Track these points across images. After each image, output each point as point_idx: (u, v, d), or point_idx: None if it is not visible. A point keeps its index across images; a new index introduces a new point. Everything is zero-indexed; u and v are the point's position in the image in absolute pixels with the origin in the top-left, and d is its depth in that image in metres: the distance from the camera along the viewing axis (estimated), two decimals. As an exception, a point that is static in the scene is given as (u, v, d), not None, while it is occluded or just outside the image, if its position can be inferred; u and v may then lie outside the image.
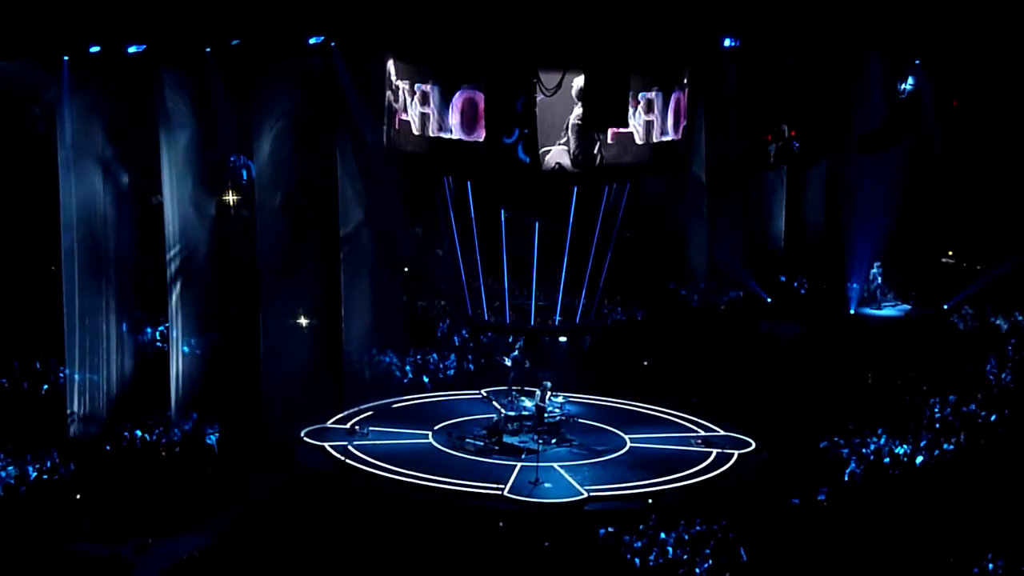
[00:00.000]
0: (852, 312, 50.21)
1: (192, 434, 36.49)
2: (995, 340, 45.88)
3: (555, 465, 35.55)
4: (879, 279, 51.13)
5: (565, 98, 34.43)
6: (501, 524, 31.63)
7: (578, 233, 37.18)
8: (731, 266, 51.41)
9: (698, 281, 51.14)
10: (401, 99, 36.52)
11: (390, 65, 37.30)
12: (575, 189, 36.24)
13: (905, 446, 36.25)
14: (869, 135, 48.23)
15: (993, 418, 38.51)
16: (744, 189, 52.51)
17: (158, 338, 40.55)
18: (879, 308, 50.64)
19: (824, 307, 50.90)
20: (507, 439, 37.01)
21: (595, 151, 35.22)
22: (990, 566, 28.96)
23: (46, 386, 37.97)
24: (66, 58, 35.18)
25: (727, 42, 44.19)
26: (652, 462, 36.27)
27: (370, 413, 39.26)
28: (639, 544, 29.96)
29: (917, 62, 47.93)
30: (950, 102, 49.04)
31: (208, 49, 37.73)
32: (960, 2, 43.66)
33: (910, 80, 48.26)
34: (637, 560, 29.60)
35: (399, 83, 36.73)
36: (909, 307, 50.99)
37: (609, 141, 35.19)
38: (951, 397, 39.74)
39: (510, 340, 39.43)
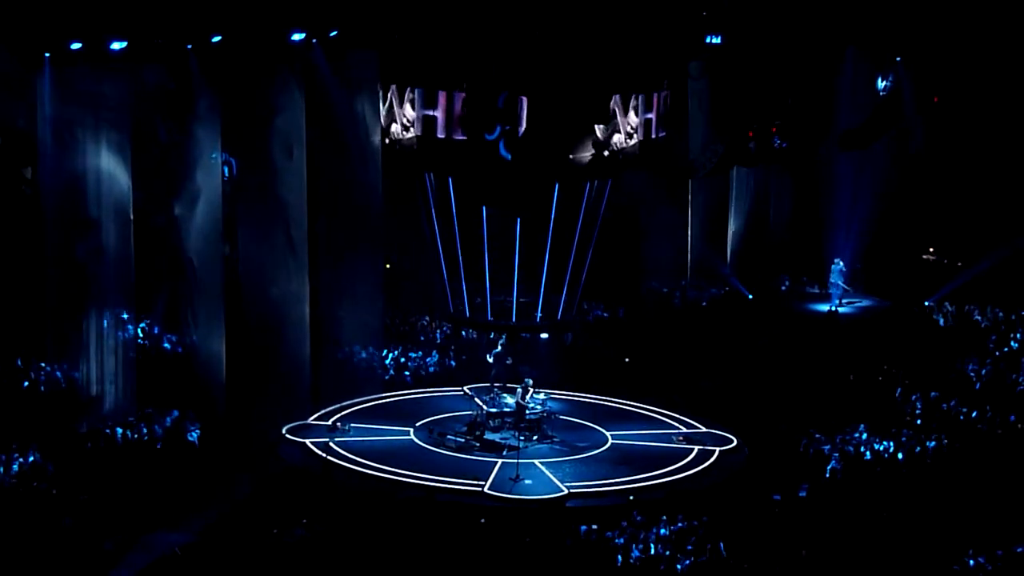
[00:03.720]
0: (833, 308, 50.29)
1: (173, 431, 36.43)
2: (975, 336, 46.03)
3: (536, 462, 35.59)
4: (833, 275, 50.82)
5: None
6: (482, 521, 31.65)
7: (560, 230, 37.25)
8: (712, 263, 51.49)
9: (679, 278, 51.20)
10: (384, 96, 36.56)
11: (374, 62, 37.39)
12: (556, 186, 36.33)
13: (886, 442, 36.36)
14: (850, 132, 48.38)
15: (974, 414, 38.62)
16: (725, 186, 52.58)
17: (140, 335, 40.46)
18: (842, 305, 50.53)
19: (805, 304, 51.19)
20: (488, 435, 37.03)
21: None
22: (971, 562, 29.03)
23: (27, 383, 37.86)
24: (47, 55, 35.08)
25: (709, 39, 44.26)
26: (633, 459, 36.32)
27: (351, 409, 39.27)
28: (620, 540, 30.00)
29: (898, 59, 48.06)
30: (931, 98, 49.21)
31: (189, 46, 37.69)
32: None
33: (890, 77, 48.39)
34: (619, 556, 29.64)
35: (383, 80, 36.82)
36: (872, 304, 51.00)
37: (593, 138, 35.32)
38: (932, 393, 39.86)
39: (491, 336, 39.47)
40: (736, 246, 53.02)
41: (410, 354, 43.60)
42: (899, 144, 50.78)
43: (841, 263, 50.36)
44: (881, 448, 36.13)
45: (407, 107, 36.51)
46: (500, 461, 35.48)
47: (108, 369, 37.94)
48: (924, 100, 49.41)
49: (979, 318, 47.52)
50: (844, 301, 50.45)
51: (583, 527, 30.56)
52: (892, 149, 50.68)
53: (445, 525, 31.38)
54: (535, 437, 37.17)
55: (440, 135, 35.97)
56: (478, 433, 37.04)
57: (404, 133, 36.92)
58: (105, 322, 37.95)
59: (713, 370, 43.33)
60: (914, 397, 39.82)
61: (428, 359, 43.58)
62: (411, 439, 37.35)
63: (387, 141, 38.49)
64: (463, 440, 36.92)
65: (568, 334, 43.97)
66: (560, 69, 34.89)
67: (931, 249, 54.19)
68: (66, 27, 34.43)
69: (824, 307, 50.57)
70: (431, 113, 36.16)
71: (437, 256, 38.61)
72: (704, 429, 38.87)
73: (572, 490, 33.86)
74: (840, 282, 50.28)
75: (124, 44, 35.45)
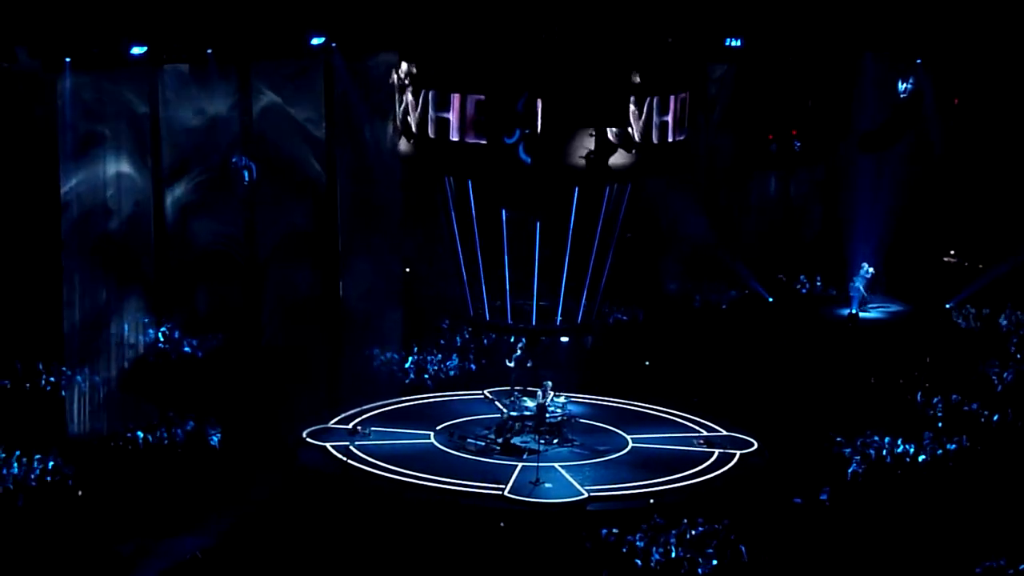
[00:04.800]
0: (854, 311, 50.15)
1: (194, 434, 36.48)
2: (997, 339, 45.90)
3: (556, 465, 35.54)
4: (857, 281, 50.61)
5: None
6: (502, 524, 31.61)
7: (580, 233, 37.18)
8: (731, 265, 51.39)
9: (699, 281, 51.12)
10: (403, 99, 36.55)
11: (393, 65, 37.38)
12: (576, 190, 36.27)
13: (907, 445, 36.26)
14: (869, 134, 48.32)
15: (996, 417, 38.51)
16: (744, 188, 52.51)
17: (160, 338, 40.54)
18: (866, 311, 50.35)
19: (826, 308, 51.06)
20: (512, 439, 36.97)
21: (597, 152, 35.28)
22: (993, 565, 28.93)
23: (48, 387, 37.96)
24: (68, 60, 35.14)
25: (729, 42, 44.20)
26: (654, 462, 36.26)
27: (372, 413, 39.24)
28: (640, 544, 29.95)
29: (918, 61, 47.98)
30: (951, 100, 49.11)
31: (210, 51, 37.77)
32: (960, 2, 43.74)
33: (911, 79, 48.31)
34: (639, 560, 29.59)
35: (402, 83, 36.79)
36: (898, 308, 50.81)
37: (611, 141, 35.22)
38: (954, 396, 39.76)
39: (511, 340, 39.40)
40: (756, 249, 52.90)
41: (430, 358, 43.57)
42: (919, 146, 50.67)
43: (871, 269, 50.12)
44: (902, 451, 36.03)
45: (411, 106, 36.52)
46: (520, 464, 35.43)
47: (129, 373, 38.00)
48: (944, 102, 49.33)
49: (1004, 322, 47.37)
50: (868, 306, 50.25)
51: (603, 530, 30.52)
52: (912, 151, 50.58)
53: (465, 528, 31.36)
54: (555, 440, 37.11)
55: (454, 137, 35.86)
56: (507, 436, 36.98)
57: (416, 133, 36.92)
58: (126, 326, 38.03)
59: (732, 373, 43.24)
60: (935, 400, 39.71)
61: (448, 363, 43.56)
62: (432, 443, 37.32)
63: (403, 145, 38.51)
64: (484, 443, 36.89)
65: (588, 337, 43.87)
66: (578, 71, 34.83)
67: (952, 252, 54.04)
68: (88, 32, 34.52)
69: (845, 310, 50.43)
70: (444, 115, 36.07)
71: (456, 260, 38.54)
72: (725, 432, 38.78)
73: (592, 493, 33.81)
74: (860, 286, 50.09)
75: (144, 49, 35.52)
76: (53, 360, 37.86)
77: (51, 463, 33.28)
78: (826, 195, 53.69)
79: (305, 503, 32.75)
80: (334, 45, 39.52)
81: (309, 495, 33.40)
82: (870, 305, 50.38)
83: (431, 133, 35.68)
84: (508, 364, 39.19)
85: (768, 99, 49.17)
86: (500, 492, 33.62)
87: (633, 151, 35.31)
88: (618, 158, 35.35)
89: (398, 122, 36.96)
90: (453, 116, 35.46)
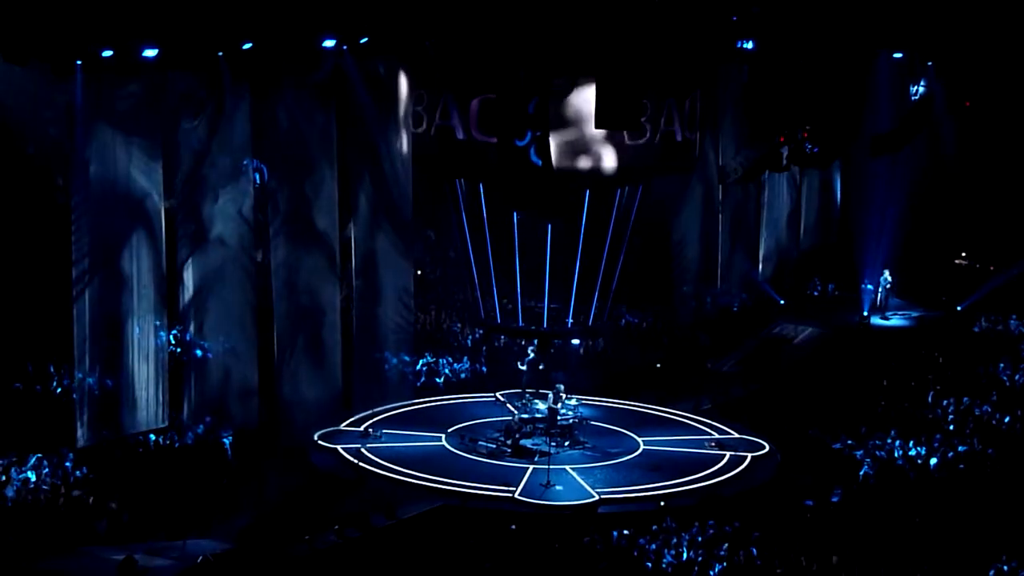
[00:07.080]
0: (864, 314, 50.06)
1: (206, 437, 36.49)
2: (1008, 342, 45.83)
3: (568, 467, 35.53)
4: (880, 288, 50.48)
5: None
6: (513, 527, 31.59)
7: (591, 236, 37.22)
8: (744, 269, 51.35)
9: (711, 284, 51.08)
10: (416, 101, 36.61)
11: (405, 69, 37.48)
12: (587, 192, 36.30)
13: (919, 448, 36.22)
14: (881, 137, 48.24)
15: (1007, 419, 38.45)
16: (757, 191, 52.44)
17: (172, 341, 40.54)
18: (887, 318, 50.19)
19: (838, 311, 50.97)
20: (522, 441, 36.95)
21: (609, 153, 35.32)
22: (1004, 568, 28.89)
23: (59, 389, 37.98)
24: (79, 63, 35.14)
25: (741, 44, 44.15)
26: (665, 464, 36.24)
27: (383, 416, 39.25)
28: (652, 547, 29.93)
29: (930, 64, 47.92)
30: (963, 103, 49.04)
31: (220, 53, 37.76)
32: (973, 4, 43.66)
33: (922, 82, 48.26)
34: (649, 563, 29.57)
35: (414, 86, 36.87)
36: (919, 314, 50.67)
37: (625, 143, 35.27)
38: (965, 399, 39.72)
39: (522, 343, 39.43)
40: (768, 251, 52.86)
41: (441, 360, 43.57)
42: (930, 149, 50.62)
43: (890, 277, 50.03)
44: (913, 453, 35.98)
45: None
46: (531, 467, 35.42)
47: (140, 376, 38.00)
48: (956, 105, 49.27)
49: (1014, 323, 47.32)
50: (888, 313, 50.14)
51: (615, 533, 30.49)
52: (923, 154, 50.51)
53: (476, 531, 31.35)
54: (567, 443, 37.11)
55: (460, 137, 35.80)
56: (517, 437, 36.97)
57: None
58: (137, 329, 38.01)
59: (744, 376, 43.24)
60: (946, 402, 39.67)
61: (459, 365, 43.56)
62: (443, 445, 37.34)
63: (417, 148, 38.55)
64: (495, 446, 36.89)
65: (599, 340, 43.93)
66: (591, 73, 34.90)
67: (963, 254, 53.97)
68: (98, 34, 34.50)
69: (860, 315, 50.40)
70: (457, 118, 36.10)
71: (468, 262, 38.57)
72: (736, 435, 38.76)
73: (604, 496, 33.80)
74: (880, 293, 50.02)
75: (156, 52, 35.50)
76: (64, 362, 37.88)
77: (62, 466, 33.33)
78: (839, 198, 53.62)
79: (316, 505, 32.75)
80: (345, 48, 39.48)
81: (321, 497, 33.41)
82: (890, 312, 50.23)
83: (445, 136, 35.82)
84: (519, 367, 39.23)
85: (780, 102, 49.06)
86: (511, 494, 33.61)
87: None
88: (625, 160, 35.47)
89: (411, 125, 37.08)
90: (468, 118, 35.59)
